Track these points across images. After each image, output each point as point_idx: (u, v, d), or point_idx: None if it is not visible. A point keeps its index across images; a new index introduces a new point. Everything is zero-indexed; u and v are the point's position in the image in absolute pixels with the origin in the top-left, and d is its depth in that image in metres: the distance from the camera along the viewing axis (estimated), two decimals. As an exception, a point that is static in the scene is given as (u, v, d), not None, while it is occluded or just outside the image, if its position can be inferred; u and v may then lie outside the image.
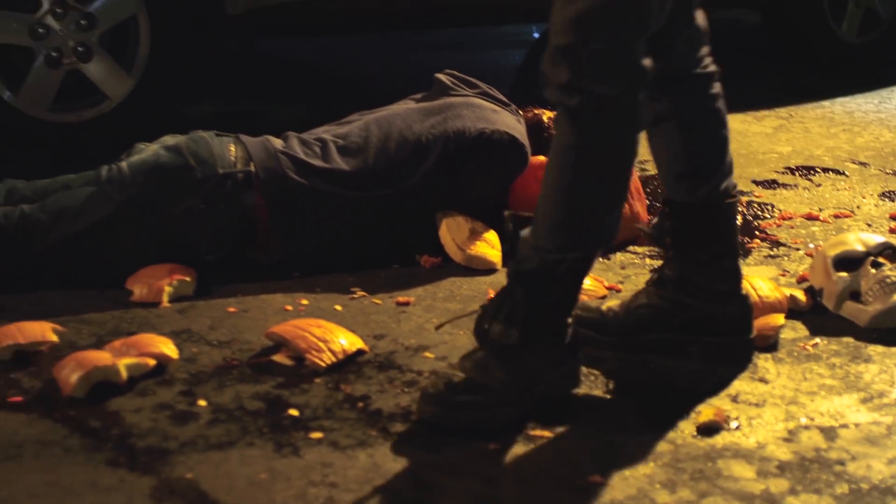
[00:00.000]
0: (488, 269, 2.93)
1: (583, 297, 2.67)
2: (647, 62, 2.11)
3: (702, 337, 2.39)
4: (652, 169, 3.87)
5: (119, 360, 2.28)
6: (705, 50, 2.37)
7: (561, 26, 2.08)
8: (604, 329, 2.45)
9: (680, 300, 2.39)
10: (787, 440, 2.13)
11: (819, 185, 3.74)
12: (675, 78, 2.31)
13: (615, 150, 2.16)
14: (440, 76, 3.31)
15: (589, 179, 2.15)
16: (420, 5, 4.26)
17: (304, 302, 2.72)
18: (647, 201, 3.38)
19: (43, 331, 2.42)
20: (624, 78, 2.09)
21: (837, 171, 3.91)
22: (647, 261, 3.04)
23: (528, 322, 2.19)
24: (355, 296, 2.77)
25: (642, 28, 2.10)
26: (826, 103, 4.93)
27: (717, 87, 2.38)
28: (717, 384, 2.34)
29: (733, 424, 2.18)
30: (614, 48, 2.07)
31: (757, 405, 2.26)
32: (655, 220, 2.44)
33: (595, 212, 2.17)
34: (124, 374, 2.26)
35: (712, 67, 2.38)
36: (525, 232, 2.21)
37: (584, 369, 2.32)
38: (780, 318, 2.55)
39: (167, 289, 2.71)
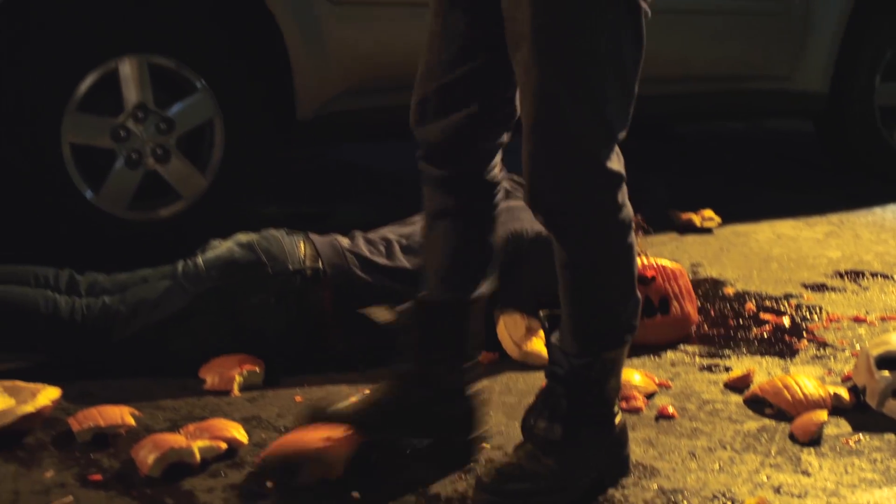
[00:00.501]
0: (543, 365, 3.03)
1: (634, 392, 2.80)
2: (615, 166, 2.18)
3: (424, 433, 2.49)
4: (704, 272, 4.00)
5: (193, 442, 2.42)
6: (498, 158, 2.44)
7: (530, 157, 2.17)
8: (342, 419, 2.47)
9: (413, 394, 2.47)
10: (827, 530, 2.23)
11: (867, 289, 3.84)
12: (470, 178, 2.40)
13: (609, 256, 2.25)
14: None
15: (593, 289, 2.27)
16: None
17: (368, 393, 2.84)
18: (699, 302, 3.49)
19: (122, 414, 2.56)
20: (598, 190, 2.19)
21: (886, 276, 4.01)
22: (698, 359, 3.14)
23: (570, 418, 2.30)
24: (416, 388, 2.89)
25: (607, 140, 2.17)
26: (877, 210, 5.04)
27: (500, 196, 2.46)
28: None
29: (776, 514, 2.28)
30: (582, 167, 2.16)
31: (799, 496, 2.34)
32: (403, 310, 2.51)
33: (607, 314, 2.28)
34: (198, 455, 2.39)
35: (501, 177, 2.47)
36: (554, 336, 2.34)
37: (635, 458, 2.43)
38: (823, 415, 2.65)
39: (238, 378, 2.84)
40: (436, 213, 2.43)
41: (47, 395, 2.58)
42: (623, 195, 2.23)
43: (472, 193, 2.41)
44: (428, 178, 2.42)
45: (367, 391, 2.53)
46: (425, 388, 2.46)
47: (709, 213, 4.71)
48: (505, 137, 2.41)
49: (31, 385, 2.61)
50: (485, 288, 2.47)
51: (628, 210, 2.25)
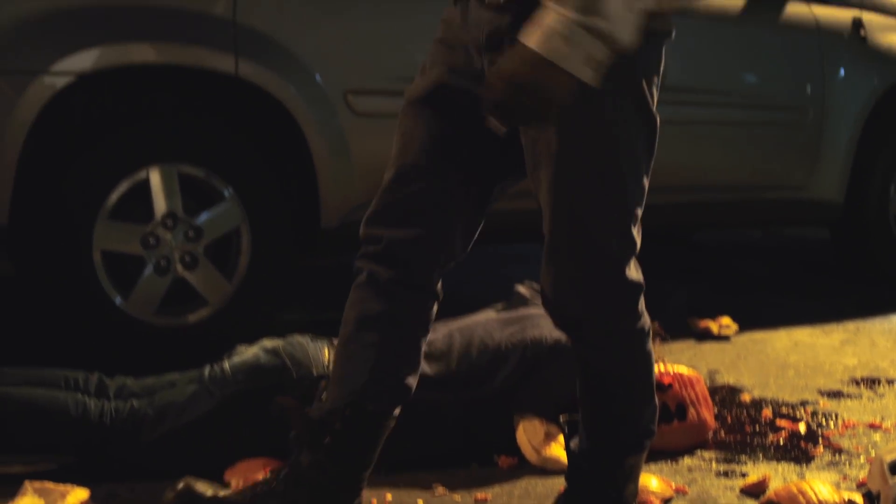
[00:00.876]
0: (562, 470, 3.08)
1: (651, 498, 2.84)
2: (636, 275, 2.24)
3: None
4: (721, 379, 4.04)
5: (218, 544, 2.47)
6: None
7: (553, 271, 2.23)
8: None
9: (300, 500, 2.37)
10: None
11: (882, 396, 3.88)
12: (421, 286, 2.38)
13: (628, 364, 2.32)
14: (520, 288, 3.53)
15: (612, 396, 2.32)
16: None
17: (389, 497, 2.88)
18: (715, 409, 3.54)
19: (149, 516, 2.62)
20: (620, 300, 2.25)
21: (901, 383, 4.05)
22: (714, 465, 3.18)
23: None
24: (437, 493, 2.93)
25: (630, 252, 2.23)
26: (893, 317, 5.09)
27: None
28: None
29: None
30: (606, 280, 2.22)
31: None
32: (320, 411, 2.40)
33: (626, 420, 2.33)
34: (223, 557, 2.44)
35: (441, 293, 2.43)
36: (573, 442, 2.39)
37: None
38: (837, 520, 2.69)
39: (262, 481, 2.90)
40: (370, 318, 2.35)
41: (76, 496, 2.64)
42: (642, 303, 2.30)
43: (419, 302, 2.38)
44: (370, 280, 2.35)
45: (258, 478, 2.44)
46: (312, 499, 2.36)
47: (726, 320, 4.76)
48: (465, 250, 2.40)
49: (60, 486, 2.66)
50: (398, 411, 2.41)
51: (646, 318, 2.32)
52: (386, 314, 2.34)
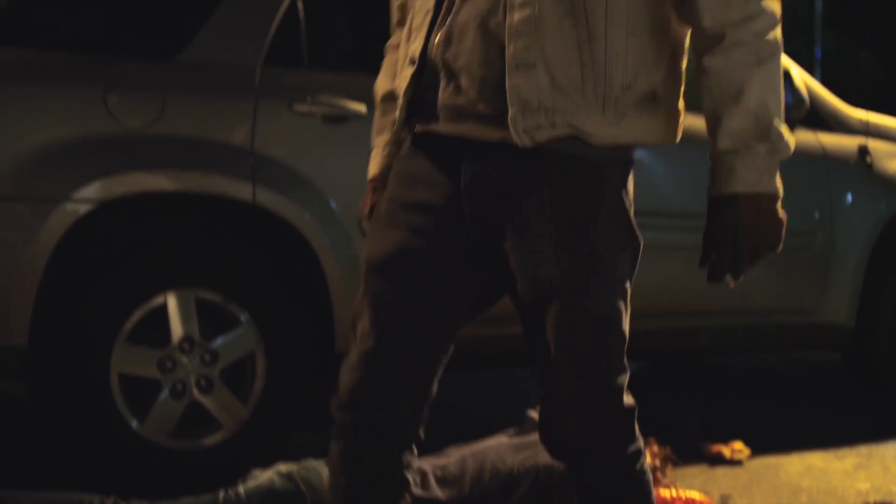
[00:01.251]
0: None
1: None
2: (630, 400, 2.25)
3: None
4: None
5: None
6: None
7: (556, 404, 2.25)
8: None
9: None
10: None
11: (896, 522, 3.89)
12: (410, 438, 2.37)
13: (632, 486, 2.30)
14: (532, 413, 3.56)
15: None
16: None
17: None
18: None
19: None
20: (618, 427, 2.26)
21: (914, 509, 4.05)
22: (728, 591, 3.19)
23: None
24: None
25: (625, 381, 2.25)
26: (907, 442, 5.09)
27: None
28: None
29: None
30: (607, 410, 2.23)
31: None
32: None
33: None
34: None
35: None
36: None
37: None
38: None
39: None
40: (365, 482, 2.35)
41: None
42: (636, 425, 2.34)
43: (407, 451, 2.37)
44: (359, 451, 2.36)
45: None
46: None
47: (739, 444, 4.76)
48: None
49: None
50: None
51: (641, 440, 2.35)
52: (380, 474, 2.35)
